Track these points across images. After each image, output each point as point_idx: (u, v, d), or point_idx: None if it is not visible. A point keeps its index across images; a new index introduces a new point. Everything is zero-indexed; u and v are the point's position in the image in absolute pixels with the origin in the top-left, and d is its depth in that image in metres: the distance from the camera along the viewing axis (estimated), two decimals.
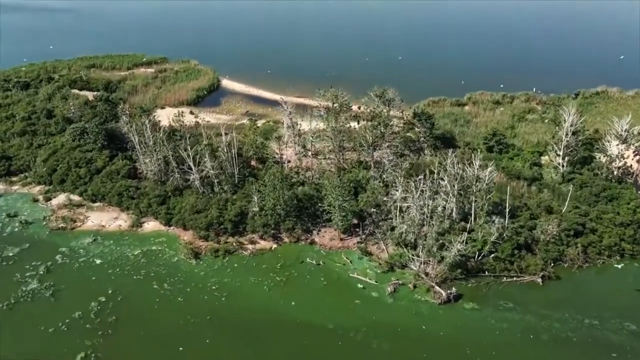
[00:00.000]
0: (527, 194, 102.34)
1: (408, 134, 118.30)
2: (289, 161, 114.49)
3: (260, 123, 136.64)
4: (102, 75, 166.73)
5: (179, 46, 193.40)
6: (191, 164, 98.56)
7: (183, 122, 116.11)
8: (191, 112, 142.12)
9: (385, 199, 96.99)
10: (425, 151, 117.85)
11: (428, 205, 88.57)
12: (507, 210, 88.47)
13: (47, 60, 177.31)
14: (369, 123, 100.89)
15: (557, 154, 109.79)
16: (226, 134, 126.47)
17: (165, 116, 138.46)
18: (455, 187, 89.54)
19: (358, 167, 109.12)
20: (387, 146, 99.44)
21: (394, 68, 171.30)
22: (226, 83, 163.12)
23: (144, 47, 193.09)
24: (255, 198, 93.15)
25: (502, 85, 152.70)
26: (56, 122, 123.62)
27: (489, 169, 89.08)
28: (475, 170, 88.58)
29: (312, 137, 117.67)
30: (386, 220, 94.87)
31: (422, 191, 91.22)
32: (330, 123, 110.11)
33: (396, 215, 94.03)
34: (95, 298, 79.96)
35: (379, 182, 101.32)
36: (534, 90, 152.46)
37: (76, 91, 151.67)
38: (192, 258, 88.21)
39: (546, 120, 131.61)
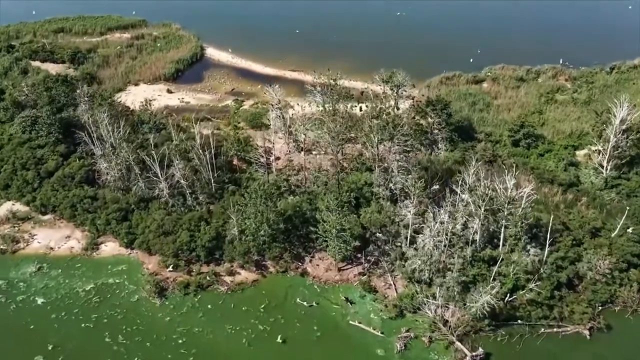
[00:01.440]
0: (563, 207, 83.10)
1: (419, 121, 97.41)
2: (277, 158, 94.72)
3: (247, 105, 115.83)
4: (71, 41, 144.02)
5: (160, 6, 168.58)
6: (158, 170, 78.88)
7: (152, 112, 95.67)
8: (168, 91, 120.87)
9: (392, 215, 78.17)
10: (440, 144, 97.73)
11: (447, 230, 69.44)
12: (548, 241, 69.31)
13: (10, 23, 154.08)
14: (375, 121, 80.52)
15: (599, 152, 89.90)
16: (206, 119, 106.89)
17: (139, 96, 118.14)
18: (482, 208, 70.26)
19: (360, 166, 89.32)
20: (395, 151, 79.24)
21: (399, 31, 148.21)
22: (211, 53, 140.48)
23: (122, 6, 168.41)
24: (234, 219, 74.01)
25: (522, 63, 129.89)
26: (5, 107, 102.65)
27: (526, 190, 69.34)
28: (509, 191, 68.91)
29: (306, 126, 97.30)
30: (394, 244, 76.20)
31: (437, 209, 72.59)
32: (326, 123, 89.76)
33: (406, 238, 75.36)
34: (31, 358, 62.40)
35: (384, 188, 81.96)
36: (561, 62, 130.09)
37: (37, 64, 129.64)
38: (156, 296, 70.09)
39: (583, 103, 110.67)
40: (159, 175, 79.13)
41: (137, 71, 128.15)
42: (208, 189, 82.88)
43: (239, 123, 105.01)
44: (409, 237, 74.72)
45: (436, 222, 67.61)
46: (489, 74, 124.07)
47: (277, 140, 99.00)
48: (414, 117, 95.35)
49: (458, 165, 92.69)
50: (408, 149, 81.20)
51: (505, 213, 69.76)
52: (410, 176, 78.49)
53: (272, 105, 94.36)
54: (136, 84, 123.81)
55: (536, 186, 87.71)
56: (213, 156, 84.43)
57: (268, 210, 71.35)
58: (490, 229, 73.89)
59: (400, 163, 79.88)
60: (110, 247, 78.45)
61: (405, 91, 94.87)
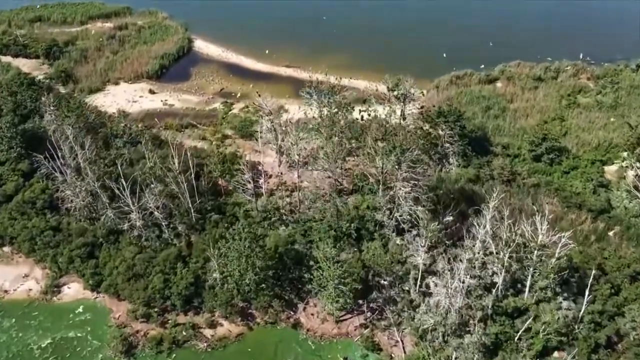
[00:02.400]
0: (594, 238, 71.06)
1: (428, 130, 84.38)
2: (269, 176, 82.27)
3: (237, 108, 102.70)
4: (48, 32, 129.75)
5: None
6: (129, 200, 66.51)
7: (127, 125, 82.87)
8: (151, 91, 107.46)
9: (399, 254, 66.31)
10: (451, 159, 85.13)
11: (462, 280, 57.32)
12: (586, 298, 57.29)
13: None
14: (380, 144, 67.75)
15: (633, 168, 77.55)
16: (191, 125, 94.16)
17: (119, 97, 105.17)
18: (506, 255, 58.19)
19: (362, 186, 76.79)
20: (402, 177, 66.50)
21: (405, 23, 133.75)
22: (199, 45, 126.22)
23: None
24: (215, 261, 61.98)
25: (539, 56, 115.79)
26: None
27: (564, 237, 56.78)
28: (540, 237, 56.56)
29: (300, 135, 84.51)
30: (401, 288, 64.39)
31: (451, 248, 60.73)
32: (324, 141, 77.43)
33: (415, 281, 63.60)
34: None
35: (389, 216, 69.85)
36: (581, 57, 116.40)
37: (9, 59, 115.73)
38: (123, 355, 58.63)
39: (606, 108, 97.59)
40: (131, 204, 66.73)
41: (118, 68, 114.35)
42: (188, 219, 70.64)
43: (225, 135, 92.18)
44: (418, 281, 62.95)
45: (453, 279, 55.42)
46: (504, 71, 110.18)
47: (270, 153, 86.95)
48: (422, 129, 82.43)
49: (472, 184, 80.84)
50: (415, 165, 67.89)
51: (534, 260, 57.64)
52: (420, 208, 66.38)
53: (262, 117, 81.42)
54: (116, 83, 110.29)
55: (562, 211, 76.06)
56: (194, 178, 72.21)
57: (254, 255, 59.25)
58: (513, 271, 61.95)
59: (407, 190, 67.25)
60: (73, 290, 66.67)
61: (413, 100, 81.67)
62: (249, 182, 70.37)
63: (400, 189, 66.89)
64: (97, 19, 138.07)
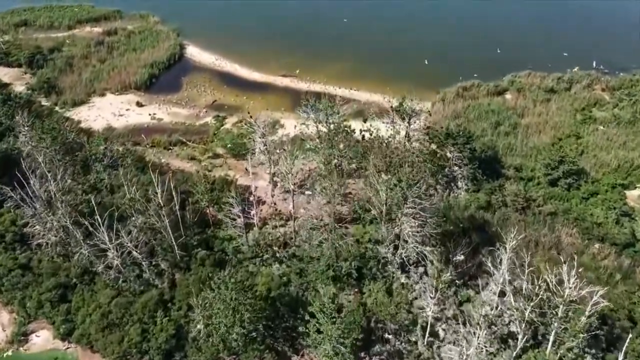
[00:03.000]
0: (619, 277, 63.28)
1: (434, 149, 76.38)
2: (262, 202, 74.40)
3: (230, 123, 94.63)
4: (33, 38, 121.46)
5: None
6: (105, 236, 58.60)
7: (107, 147, 74.78)
8: (138, 104, 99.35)
9: (404, 300, 58.58)
10: (460, 183, 77.23)
11: (480, 348, 49.51)
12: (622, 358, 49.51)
13: None
14: (383, 176, 59.77)
15: None
16: (180, 142, 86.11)
17: (104, 110, 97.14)
18: (527, 310, 50.43)
19: (363, 215, 68.78)
20: (409, 213, 58.53)
21: (409, 29, 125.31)
22: (192, 52, 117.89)
23: None
24: (198, 312, 54.21)
25: (549, 65, 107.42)
26: None
27: (596, 294, 48.80)
28: (567, 291, 48.64)
29: (295, 162, 76.66)
30: (407, 338, 56.73)
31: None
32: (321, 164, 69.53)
33: (423, 332, 55.97)
34: None
35: (393, 252, 62.16)
36: (595, 65, 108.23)
37: None
38: None
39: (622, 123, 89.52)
40: (107, 241, 58.83)
41: (105, 78, 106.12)
42: (171, 256, 62.85)
43: (216, 154, 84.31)
44: (427, 333, 55.31)
45: (470, 345, 47.60)
46: (513, 82, 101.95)
47: (263, 175, 79.05)
48: (428, 151, 74.32)
49: (483, 211, 72.97)
50: (422, 199, 59.79)
51: (559, 315, 49.83)
52: (428, 248, 58.64)
53: (254, 139, 73.42)
54: (102, 95, 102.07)
55: (582, 244, 68.30)
56: (180, 208, 64.39)
57: (242, 307, 51.48)
58: (535, 325, 54.18)
59: (413, 226, 59.28)
60: (43, 338, 59.08)
61: (419, 120, 73.43)
62: (239, 217, 62.37)
63: (405, 224, 58.99)
64: (85, 24, 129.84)
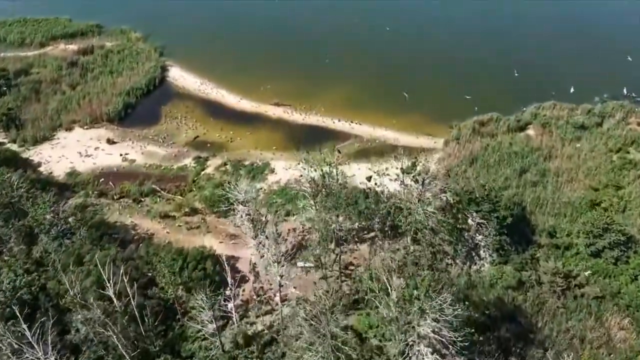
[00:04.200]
0: None
1: (455, 213, 60.80)
2: (245, 279, 59.07)
3: (212, 166, 79.10)
4: (2, 57, 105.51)
5: (121, 5, 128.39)
6: (39, 350, 43.35)
7: (57, 213, 59.12)
8: (109, 141, 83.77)
9: None
10: (483, 252, 61.86)
11: None
12: None
13: None
14: (395, 280, 44.27)
15: None
16: (154, 192, 70.78)
17: (70, 148, 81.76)
18: None
19: (367, 297, 53.39)
20: (425, 334, 43.22)
21: (413, 50, 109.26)
22: (174, 75, 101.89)
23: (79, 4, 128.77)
24: None
25: (573, 89, 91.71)
26: None
27: None
28: None
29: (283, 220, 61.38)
30: None
31: None
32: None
33: None
34: None
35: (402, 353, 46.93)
36: (625, 92, 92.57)
37: None
38: None
39: None
40: (42, 356, 43.61)
41: (74, 108, 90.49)
42: None
43: (194, 209, 68.91)
44: None
45: None
46: (537, 115, 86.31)
47: (248, 240, 63.58)
48: (446, 219, 58.75)
49: (514, 293, 57.80)
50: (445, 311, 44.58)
51: None
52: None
53: (236, 209, 57.87)
54: (69, 129, 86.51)
55: (638, 341, 53.16)
56: (142, 294, 49.30)
57: None
58: None
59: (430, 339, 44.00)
60: None
61: (435, 184, 57.81)
62: (211, 322, 47.07)
63: (420, 343, 43.67)
64: (60, 40, 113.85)
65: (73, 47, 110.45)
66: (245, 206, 56.58)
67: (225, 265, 49.15)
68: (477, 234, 60.84)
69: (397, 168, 60.75)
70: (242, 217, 57.73)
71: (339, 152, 77.44)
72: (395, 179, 60.44)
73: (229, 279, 49.23)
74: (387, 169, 62.90)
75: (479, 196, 58.68)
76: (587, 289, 57.66)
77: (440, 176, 60.66)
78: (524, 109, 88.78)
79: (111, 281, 47.53)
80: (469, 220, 59.86)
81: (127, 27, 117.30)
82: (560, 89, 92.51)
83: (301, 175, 61.12)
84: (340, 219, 54.84)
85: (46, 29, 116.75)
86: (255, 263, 59.81)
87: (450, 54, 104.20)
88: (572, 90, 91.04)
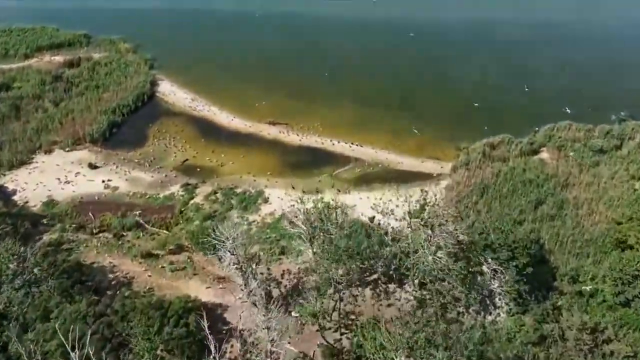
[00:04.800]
0: None
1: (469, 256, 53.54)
2: (232, 333, 51.77)
3: (202, 194, 71.63)
4: None
5: (109, 16, 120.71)
6: None
7: (19, 261, 51.64)
8: (91, 165, 76.32)
9: None
10: (498, 300, 54.62)
11: None
12: None
13: None
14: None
15: None
16: (137, 225, 63.67)
17: (48, 173, 74.35)
18: None
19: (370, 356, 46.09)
20: None
21: (417, 64, 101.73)
22: (164, 90, 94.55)
23: (69, 14, 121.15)
24: None
25: (589, 108, 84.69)
26: None
27: None
28: None
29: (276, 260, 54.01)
30: None
31: None
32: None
33: None
34: None
35: None
36: None
37: None
38: None
39: None
40: None
41: (56, 127, 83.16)
42: None
43: (179, 246, 61.57)
44: None
45: None
46: (551, 137, 78.97)
47: (237, 287, 56.24)
48: (459, 266, 51.43)
49: (534, 350, 50.49)
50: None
51: None
52: None
53: (223, 257, 50.53)
54: (49, 151, 79.11)
55: None
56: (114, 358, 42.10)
57: None
58: None
59: None
60: None
61: (447, 228, 50.39)
62: None
63: None
64: (46, 51, 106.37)
65: (59, 58, 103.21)
66: (233, 254, 49.18)
67: (207, 331, 41.56)
68: (493, 281, 53.57)
69: (403, 204, 53.67)
70: (229, 264, 50.42)
71: (336, 189, 69.97)
72: (402, 219, 53.26)
73: (212, 346, 41.83)
74: (392, 210, 54.92)
75: (495, 241, 51.24)
76: (617, 346, 50.38)
77: (450, 214, 52.94)
78: (537, 129, 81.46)
79: (76, 350, 40.17)
80: (484, 267, 52.52)
81: (116, 37, 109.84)
82: (573, 105, 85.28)
83: (296, 216, 53.46)
84: (340, 271, 47.42)
85: (32, 39, 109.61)
86: (243, 329, 52.13)
87: (457, 69, 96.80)
88: (568, 110, 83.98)
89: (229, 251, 49.40)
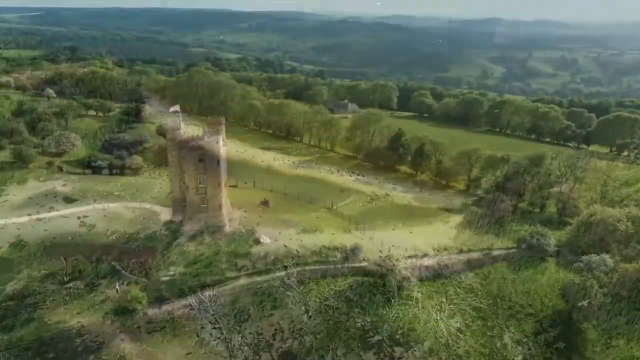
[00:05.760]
0: None
1: None
2: None
3: (186, 234, 62.69)
4: None
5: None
6: None
7: None
8: (67, 199, 67.51)
9: None
10: None
11: None
12: None
13: None
14: None
15: None
16: (115, 272, 55.16)
17: (19, 208, 65.79)
18: None
19: None
20: None
21: None
22: (152, 110, 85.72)
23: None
24: None
25: None
26: None
27: None
28: None
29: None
30: None
31: None
32: None
33: None
34: None
35: None
36: None
37: None
38: None
39: None
40: None
41: (31, 155, 74.41)
42: None
43: (161, 297, 52.94)
44: None
45: None
46: None
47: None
48: None
49: None
50: None
51: None
52: None
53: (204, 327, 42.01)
54: (22, 181, 70.47)
55: None
56: None
57: None
58: None
59: None
60: None
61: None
62: None
63: None
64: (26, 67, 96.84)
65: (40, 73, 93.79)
66: (215, 327, 40.64)
67: None
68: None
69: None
70: (211, 335, 41.89)
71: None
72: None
73: None
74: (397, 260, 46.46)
75: None
76: None
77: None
78: None
79: None
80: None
81: (103, 50, 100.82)
82: None
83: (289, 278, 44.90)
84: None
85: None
86: None
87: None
88: None
89: (210, 322, 40.83)
